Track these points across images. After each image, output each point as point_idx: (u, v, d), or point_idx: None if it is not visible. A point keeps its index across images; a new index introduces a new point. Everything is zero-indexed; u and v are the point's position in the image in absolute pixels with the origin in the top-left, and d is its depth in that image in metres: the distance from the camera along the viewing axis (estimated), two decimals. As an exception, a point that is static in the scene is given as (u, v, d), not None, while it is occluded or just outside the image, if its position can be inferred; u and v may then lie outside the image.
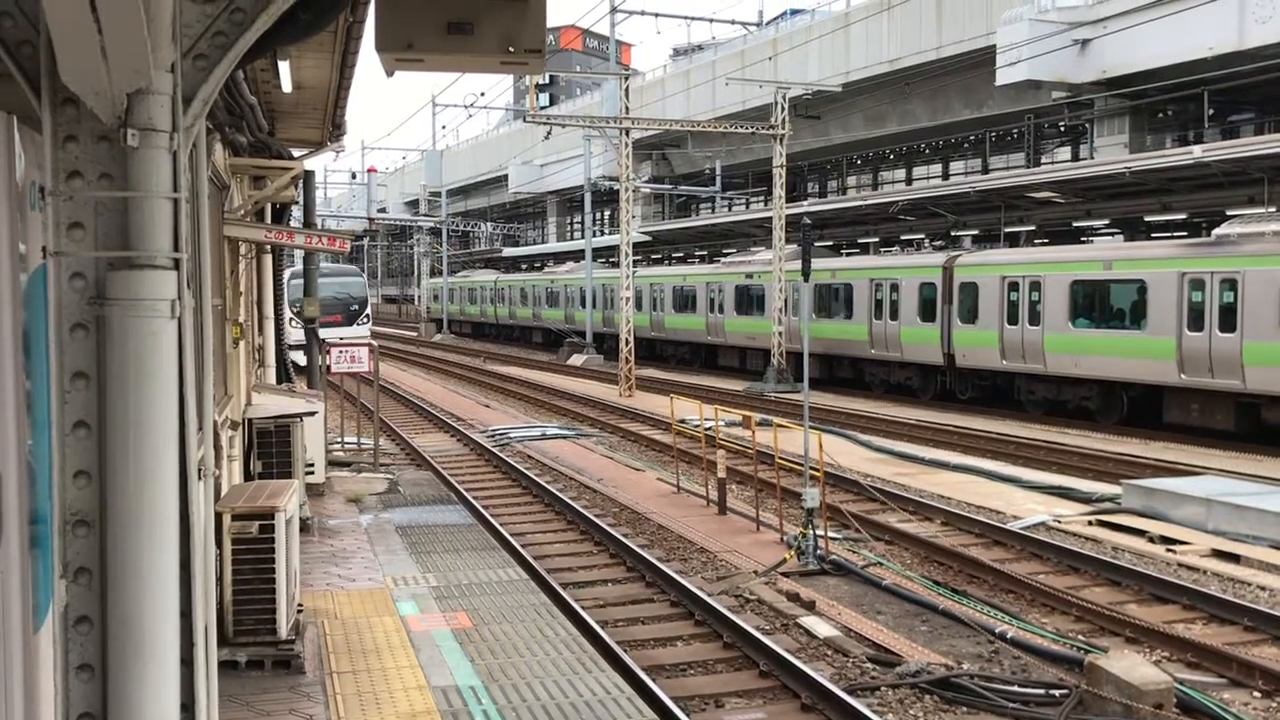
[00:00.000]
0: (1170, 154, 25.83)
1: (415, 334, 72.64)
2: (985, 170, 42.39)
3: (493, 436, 23.37)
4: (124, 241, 3.35)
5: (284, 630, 7.67)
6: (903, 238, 37.28)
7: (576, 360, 43.20)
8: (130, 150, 3.31)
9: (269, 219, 15.48)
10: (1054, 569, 12.55)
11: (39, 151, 3.40)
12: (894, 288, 29.82)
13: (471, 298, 67.70)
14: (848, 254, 38.08)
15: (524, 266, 66.38)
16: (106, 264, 3.34)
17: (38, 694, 3.72)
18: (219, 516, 7.43)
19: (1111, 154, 31.57)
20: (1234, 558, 12.52)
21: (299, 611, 8.22)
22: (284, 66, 9.29)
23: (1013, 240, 31.15)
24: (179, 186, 3.39)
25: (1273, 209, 23.06)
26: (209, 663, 3.62)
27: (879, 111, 41.43)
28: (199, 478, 3.55)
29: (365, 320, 41.91)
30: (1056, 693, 8.70)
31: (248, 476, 11.67)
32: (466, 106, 57.47)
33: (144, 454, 3.33)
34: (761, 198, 53.74)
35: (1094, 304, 23.93)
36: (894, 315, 29.78)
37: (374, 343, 38.73)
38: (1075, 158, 39.06)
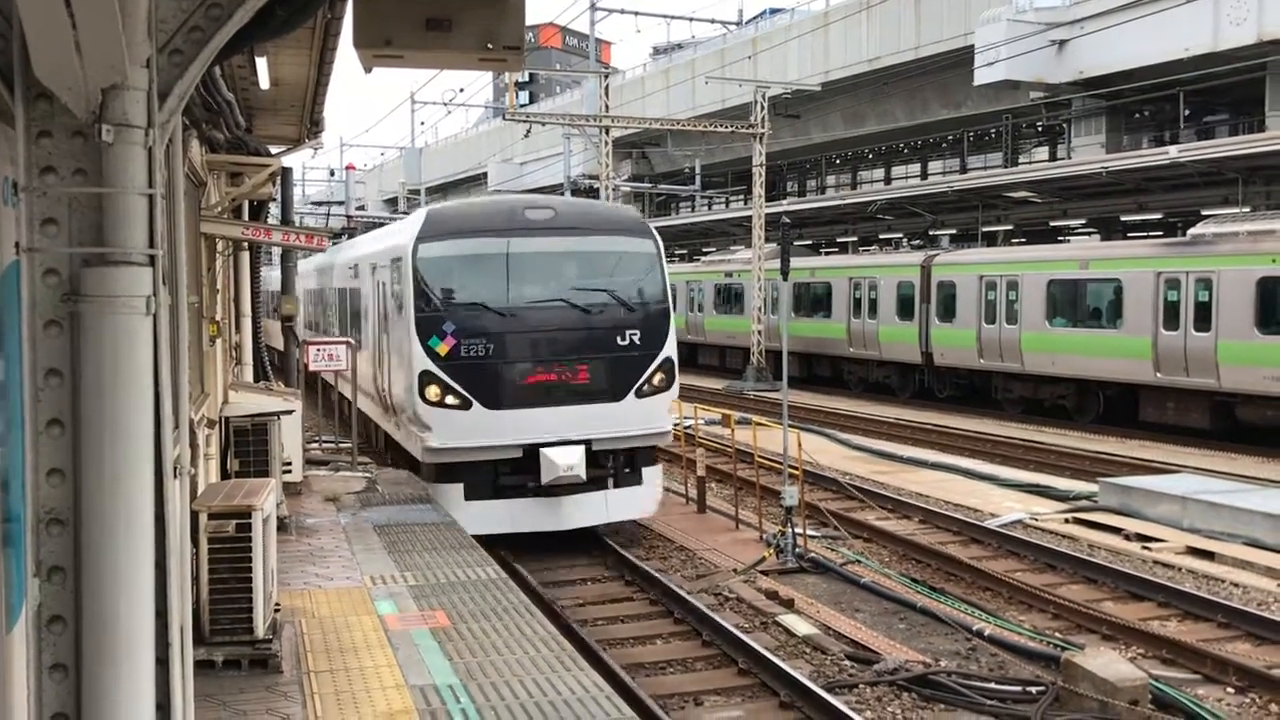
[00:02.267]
0: (1146, 154, 26.00)
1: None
2: (963, 170, 42.56)
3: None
4: (98, 238, 3.32)
5: (261, 629, 7.62)
6: (881, 237, 37.40)
7: (556, 359, 43.06)
8: (105, 146, 3.28)
9: (246, 216, 15.40)
10: (1031, 567, 12.61)
11: (12, 146, 3.37)
12: (872, 286, 29.92)
13: None
14: (827, 253, 38.20)
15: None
16: (81, 260, 3.32)
17: (10, 695, 3.69)
18: (195, 515, 7.38)
19: (1088, 154, 31.75)
20: (1208, 555, 12.62)
21: (276, 610, 8.18)
22: (261, 63, 9.24)
23: (990, 239, 31.30)
24: (154, 183, 3.36)
25: (1247, 209, 23.25)
26: (185, 662, 3.59)
27: (858, 111, 41.52)
28: (174, 476, 3.53)
29: (666, 379, 13.75)
30: (1033, 690, 8.75)
31: (224, 475, 11.59)
32: (445, 104, 57.34)
33: (119, 452, 3.31)
34: (741, 197, 53.80)
35: (1070, 303, 24.07)
36: (872, 314, 29.89)
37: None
38: (1053, 158, 39.26)
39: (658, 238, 14.31)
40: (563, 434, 12.89)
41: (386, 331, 14.97)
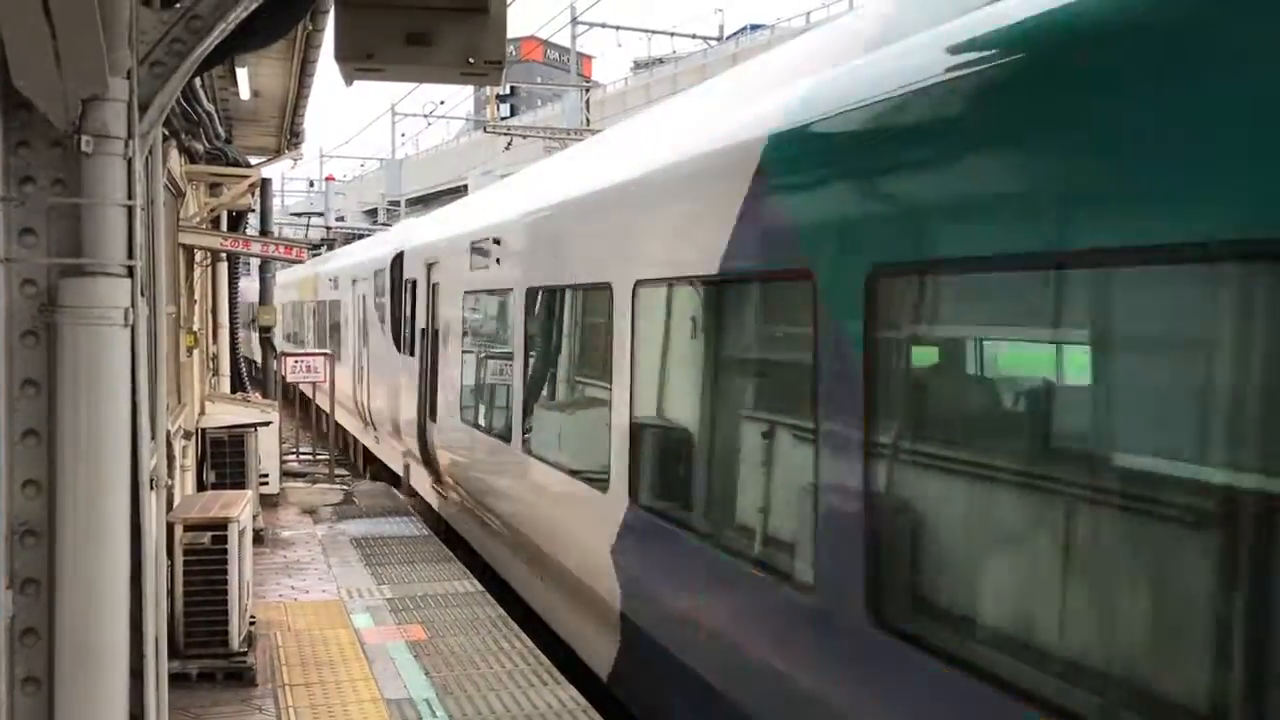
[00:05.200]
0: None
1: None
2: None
3: (450, 447, 23.16)
4: (77, 248, 3.31)
5: (236, 642, 7.58)
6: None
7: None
8: (84, 157, 3.28)
9: (225, 227, 15.35)
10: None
11: (-10, 156, 3.37)
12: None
13: None
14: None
15: (483, 277, 65.85)
16: (59, 271, 3.31)
17: (-18, 707, 3.66)
18: (171, 527, 7.34)
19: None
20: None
21: (251, 623, 8.13)
22: (242, 74, 9.23)
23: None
24: (134, 194, 3.36)
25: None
26: (159, 675, 3.58)
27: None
28: (151, 488, 3.52)
29: None
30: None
31: (201, 487, 11.53)
32: (426, 116, 57.27)
33: (95, 463, 3.29)
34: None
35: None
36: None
37: None
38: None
39: None
40: None
41: None
